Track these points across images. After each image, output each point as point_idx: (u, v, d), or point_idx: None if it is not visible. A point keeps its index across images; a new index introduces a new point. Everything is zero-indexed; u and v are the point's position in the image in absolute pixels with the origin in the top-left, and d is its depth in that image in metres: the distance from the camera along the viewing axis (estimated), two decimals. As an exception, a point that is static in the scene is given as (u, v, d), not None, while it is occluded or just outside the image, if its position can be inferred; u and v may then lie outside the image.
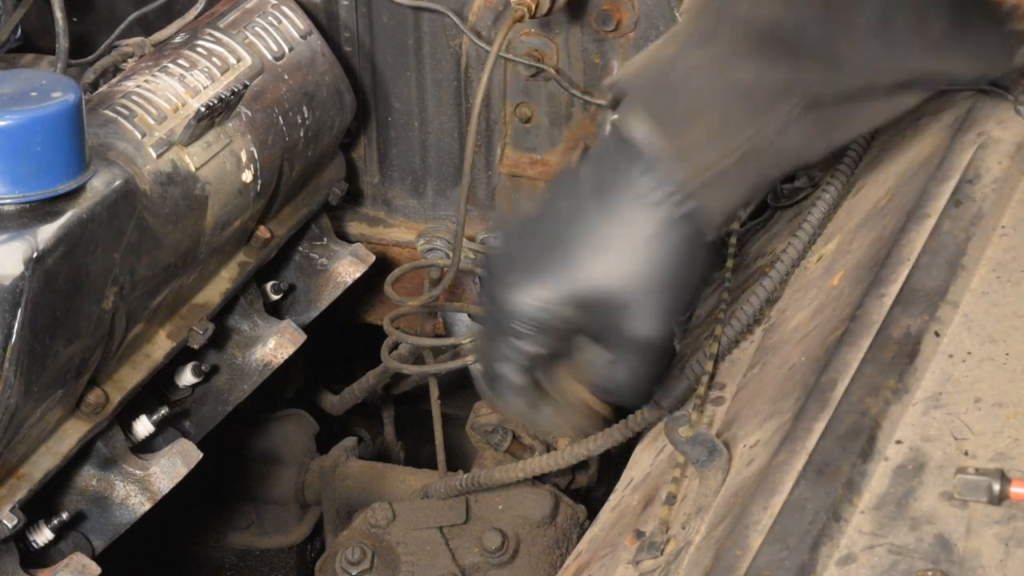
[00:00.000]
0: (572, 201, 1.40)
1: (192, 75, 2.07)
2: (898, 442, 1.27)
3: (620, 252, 1.38)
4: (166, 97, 2.01)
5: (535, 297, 1.39)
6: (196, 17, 2.26)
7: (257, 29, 2.21)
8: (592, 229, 1.38)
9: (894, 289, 1.43)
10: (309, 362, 2.61)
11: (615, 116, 1.43)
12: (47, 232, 1.71)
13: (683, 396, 1.63)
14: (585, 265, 1.39)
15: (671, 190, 1.37)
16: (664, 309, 1.42)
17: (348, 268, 2.44)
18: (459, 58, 2.41)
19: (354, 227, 2.60)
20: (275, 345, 2.26)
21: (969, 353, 1.35)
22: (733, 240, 1.97)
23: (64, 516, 1.93)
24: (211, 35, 2.16)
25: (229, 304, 2.23)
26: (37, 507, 1.91)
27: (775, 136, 1.40)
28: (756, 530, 1.21)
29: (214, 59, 2.12)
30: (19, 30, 2.32)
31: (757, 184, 1.44)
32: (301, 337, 2.28)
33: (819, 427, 1.29)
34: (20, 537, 1.89)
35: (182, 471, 2.04)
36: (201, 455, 2.07)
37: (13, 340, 1.69)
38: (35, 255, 1.69)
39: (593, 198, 1.39)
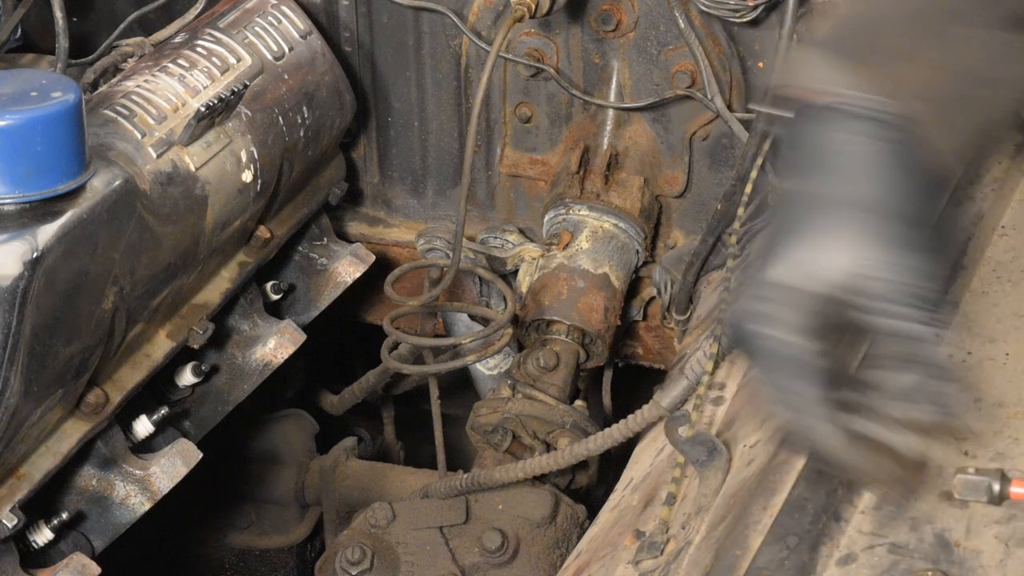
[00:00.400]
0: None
1: (192, 75, 2.07)
2: (898, 442, 1.27)
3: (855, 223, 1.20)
4: (166, 97, 2.01)
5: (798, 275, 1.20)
6: (196, 17, 2.26)
7: (257, 29, 2.21)
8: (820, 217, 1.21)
9: (894, 289, 1.43)
10: (309, 362, 2.61)
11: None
12: (47, 232, 1.71)
13: (683, 396, 1.64)
14: (821, 254, 1.20)
15: (891, 131, 1.20)
16: (913, 286, 1.19)
17: (348, 268, 2.44)
18: (459, 58, 2.41)
19: (354, 227, 2.60)
20: (275, 345, 2.26)
21: (969, 353, 1.36)
22: (733, 239, 1.98)
23: (64, 516, 1.93)
24: (211, 35, 2.16)
25: (229, 304, 2.23)
26: (37, 507, 1.91)
27: (994, 61, 1.26)
28: (756, 530, 1.21)
29: (214, 59, 2.12)
30: (19, 30, 2.32)
31: (984, 120, 1.29)
32: (301, 337, 2.28)
33: (819, 427, 1.29)
34: (20, 537, 1.89)
35: (182, 471, 2.04)
36: (201, 455, 2.07)
37: (13, 340, 1.69)
38: (35, 255, 1.69)
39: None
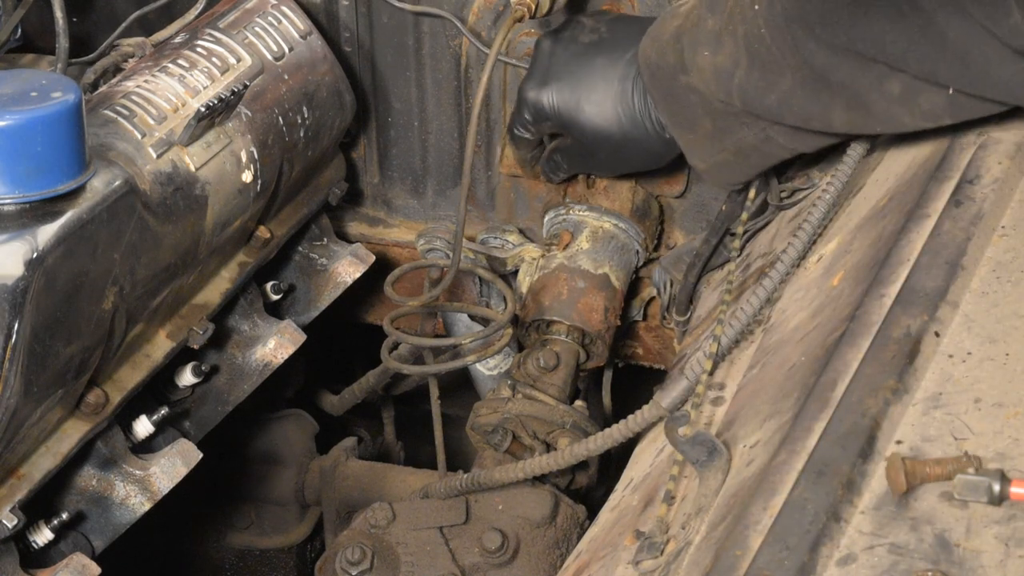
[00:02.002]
0: (607, 73, 2.01)
1: (192, 75, 2.07)
2: (898, 442, 1.27)
3: (609, 126, 2.04)
4: (166, 97, 2.01)
5: (541, 98, 2.08)
6: (196, 17, 2.26)
7: (257, 29, 2.21)
8: (602, 102, 2.03)
9: (894, 289, 1.43)
10: (309, 362, 2.62)
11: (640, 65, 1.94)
12: (47, 232, 1.71)
13: (683, 396, 1.63)
14: (583, 111, 2.04)
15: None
16: (588, 163, 2.15)
17: (348, 268, 2.44)
18: (459, 58, 2.41)
19: (354, 227, 2.60)
20: (275, 345, 2.26)
21: (969, 353, 1.36)
22: (736, 244, 1.98)
23: (64, 516, 1.93)
24: (211, 35, 2.16)
25: (229, 304, 2.23)
26: (37, 507, 1.91)
27: (760, 142, 1.81)
28: (756, 530, 1.21)
29: (214, 59, 2.12)
30: (19, 30, 2.32)
31: (758, 167, 1.89)
32: (301, 337, 2.28)
33: (819, 427, 1.30)
34: (20, 537, 1.89)
35: (182, 471, 2.04)
36: (201, 455, 2.07)
37: (13, 340, 1.69)
38: (35, 255, 1.69)
39: (618, 88, 2.02)
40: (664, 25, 1.90)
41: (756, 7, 1.70)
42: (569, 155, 2.16)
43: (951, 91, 1.56)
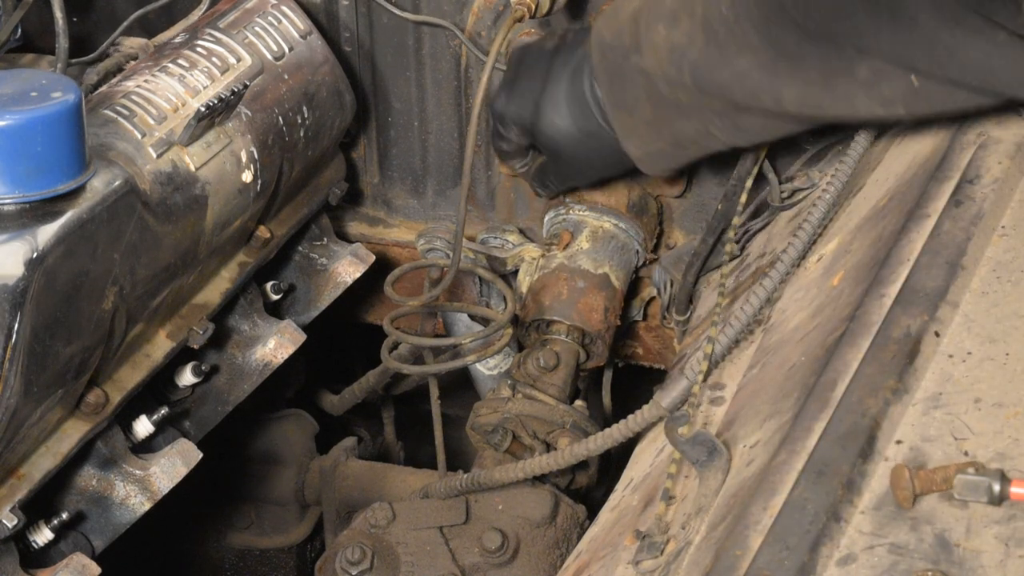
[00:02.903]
0: (560, 72, 2.03)
1: (192, 75, 2.07)
2: (898, 442, 1.27)
3: (565, 125, 2.05)
4: (166, 97, 2.01)
5: (507, 108, 2.13)
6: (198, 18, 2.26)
7: (257, 29, 2.21)
8: (557, 101, 2.04)
9: (894, 289, 1.43)
10: (309, 362, 2.61)
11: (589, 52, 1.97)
12: (47, 232, 1.71)
13: (683, 396, 1.63)
14: (543, 115, 2.07)
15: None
16: (561, 172, 2.17)
17: (348, 268, 2.44)
18: (459, 58, 2.41)
19: (354, 227, 2.60)
20: (275, 345, 2.26)
21: (969, 353, 1.36)
22: (729, 248, 1.98)
23: (64, 516, 1.93)
24: (211, 35, 2.16)
25: (229, 304, 2.23)
26: (37, 507, 1.91)
27: (699, 135, 1.85)
28: (756, 530, 1.21)
29: (214, 59, 2.12)
30: (19, 30, 2.31)
31: (692, 158, 1.94)
32: (301, 337, 2.28)
33: (819, 427, 1.30)
34: (20, 537, 1.89)
35: (182, 471, 2.04)
36: (201, 455, 2.07)
37: (13, 340, 1.69)
38: (35, 255, 1.69)
39: (568, 83, 2.02)
40: (622, 6, 1.90)
41: None
42: (546, 168, 2.19)
43: (916, 81, 1.56)
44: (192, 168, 1.99)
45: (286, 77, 2.22)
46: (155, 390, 2.14)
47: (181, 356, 2.13)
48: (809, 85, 1.67)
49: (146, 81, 2.03)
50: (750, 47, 1.68)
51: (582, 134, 2.04)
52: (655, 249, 2.38)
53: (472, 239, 2.43)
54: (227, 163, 2.06)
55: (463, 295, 2.52)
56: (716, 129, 1.82)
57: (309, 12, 2.32)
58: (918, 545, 1.17)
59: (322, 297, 2.44)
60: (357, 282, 2.45)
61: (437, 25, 2.37)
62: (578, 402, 2.17)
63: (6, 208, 1.70)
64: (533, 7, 2.12)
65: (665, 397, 1.64)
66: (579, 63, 2.01)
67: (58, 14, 2.09)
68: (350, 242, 2.49)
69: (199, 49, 2.12)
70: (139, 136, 1.94)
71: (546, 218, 2.35)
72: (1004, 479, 1.18)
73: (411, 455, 2.73)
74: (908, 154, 1.75)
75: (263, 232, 2.24)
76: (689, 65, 1.76)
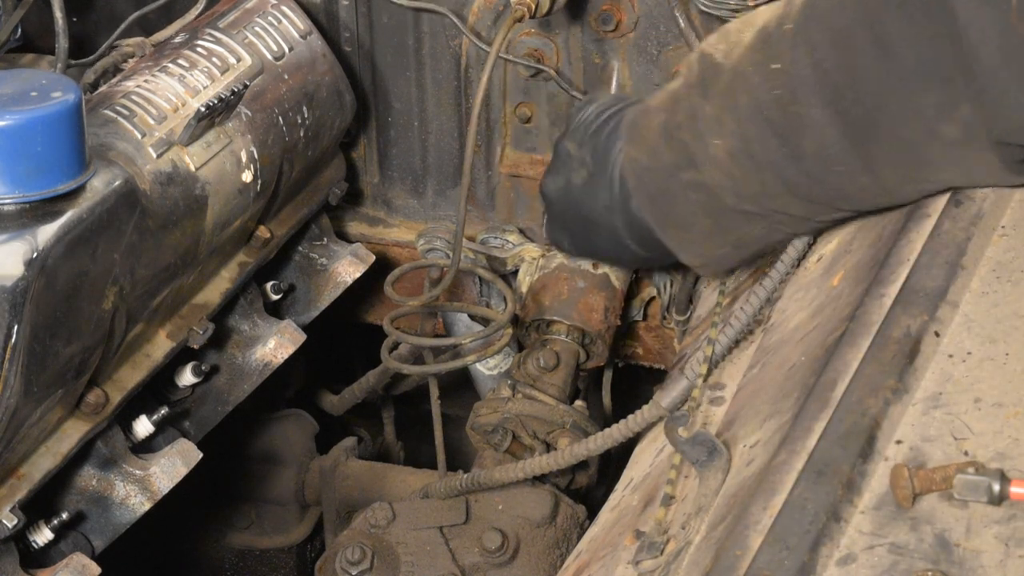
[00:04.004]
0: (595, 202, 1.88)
1: (192, 75, 2.07)
2: (898, 442, 1.27)
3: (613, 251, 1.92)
4: (166, 97, 2.01)
5: (558, 241, 2.01)
6: (196, 17, 2.26)
7: (257, 29, 2.21)
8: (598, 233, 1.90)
9: (894, 289, 1.43)
10: (309, 362, 2.61)
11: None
12: (47, 232, 1.71)
13: (683, 396, 1.64)
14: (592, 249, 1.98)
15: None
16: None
17: (348, 268, 2.44)
18: (459, 58, 2.41)
19: (354, 227, 2.60)
20: (275, 345, 2.26)
21: (969, 353, 1.35)
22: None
23: (64, 516, 1.93)
24: (211, 35, 2.16)
25: (229, 304, 2.23)
26: (37, 507, 1.91)
27: (765, 233, 1.72)
28: (756, 530, 1.21)
29: (214, 59, 2.12)
30: (19, 30, 2.32)
31: (754, 255, 1.80)
32: (301, 337, 2.28)
33: (819, 427, 1.29)
34: (20, 537, 1.89)
35: (182, 471, 2.04)
36: (201, 455, 2.07)
37: (13, 340, 1.69)
38: (35, 255, 1.69)
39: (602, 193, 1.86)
40: (646, 123, 1.77)
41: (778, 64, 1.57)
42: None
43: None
44: (192, 168, 1.99)
45: (286, 77, 2.22)
46: (155, 390, 2.14)
47: (181, 356, 2.13)
48: (882, 158, 1.54)
49: (146, 81, 2.03)
50: (813, 124, 1.55)
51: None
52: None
53: (472, 239, 2.43)
54: (227, 163, 2.06)
55: (463, 295, 2.52)
56: (785, 226, 1.70)
57: (309, 12, 2.32)
58: (918, 545, 1.17)
59: (322, 297, 2.44)
60: (357, 282, 2.45)
61: (436, 12, 2.36)
62: (578, 402, 2.17)
63: (6, 208, 1.70)
64: (533, 7, 2.12)
65: (665, 397, 1.64)
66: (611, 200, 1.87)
67: (58, 14, 2.09)
68: (350, 242, 2.49)
69: (199, 49, 2.12)
70: (139, 136, 1.94)
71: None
72: (1004, 479, 1.18)
73: (411, 455, 2.73)
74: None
75: (263, 232, 2.24)
76: (771, 167, 1.62)
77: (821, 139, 1.55)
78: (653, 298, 2.42)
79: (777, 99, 1.57)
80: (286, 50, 2.23)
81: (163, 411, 2.07)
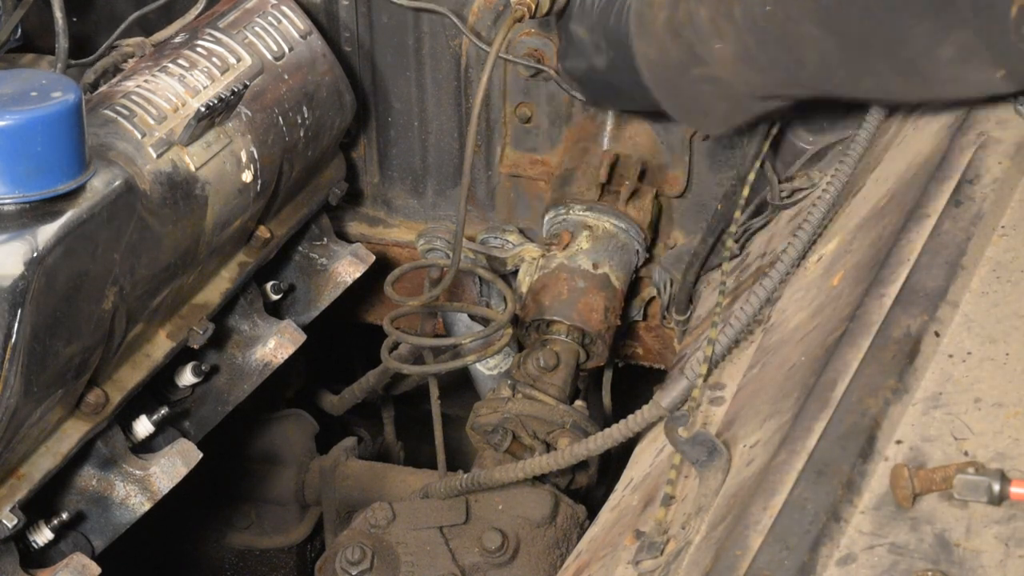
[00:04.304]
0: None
1: (192, 75, 2.07)
2: (898, 442, 1.27)
3: None
4: (166, 97, 2.01)
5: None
6: (196, 17, 2.26)
7: (257, 29, 2.21)
8: None
9: (894, 289, 1.43)
10: (309, 362, 2.61)
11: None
12: (47, 232, 1.71)
13: (683, 396, 1.64)
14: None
15: None
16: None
17: (348, 268, 2.44)
18: (459, 58, 2.41)
19: (354, 227, 2.60)
20: (275, 345, 2.26)
21: (969, 353, 1.36)
22: (730, 243, 1.98)
23: (64, 516, 1.93)
24: (211, 35, 2.16)
25: (229, 304, 2.23)
26: (37, 507, 1.91)
27: (776, 110, 1.79)
28: (756, 530, 1.21)
29: (214, 59, 2.12)
30: (19, 30, 2.32)
31: (762, 120, 1.90)
32: (301, 337, 2.28)
33: (819, 427, 1.30)
34: (20, 537, 1.89)
35: (182, 471, 2.04)
36: (201, 455, 2.07)
37: (13, 340, 1.69)
38: (35, 255, 1.69)
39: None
40: (652, 17, 1.83)
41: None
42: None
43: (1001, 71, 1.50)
44: (192, 168, 1.99)
45: (286, 77, 2.22)
46: (155, 390, 2.14)
47: (181, 356, 2.13)
48: (882, 68, 1.58)
49: (146, 81, 2.03)
50: (807, 40, 1.60)
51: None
52: (653, 248, 2.39)
53: (472, 239, 2.43)
54: (227, 163, 2.06)
55: (463, 295, 2.52)
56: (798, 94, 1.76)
57: (309, 12, 2.32)
58: (918, 545, 1.17)
59: (322, 297, 2.44)
60: (357, 282, 2.45)
61: (435, 12, 2.36)
62: (578, 402, 2.17)
63: (6, 208, 1.70)
64: (533, 7, 2.12)
65: (665, 397, 1.64)
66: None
67: (58, 14, 2.09)
68: (350, 242, 2.49)
69: (199, 49, 2.12)
70: (139, 136, 1.94)
71: (546, 218, 2.35)
72: (1004, 479, 1.18)
73: (411, 455, 2.73)
74: (908, 154, 1.75)
75: (263, 232, 2.24)
76: (776, 69, 1.69)
77: (820, 52, 1.60)
78: (653, 298, 2.42)
79: (771, 15, 1.62)
80: (286, 50, 2.23)
81: (163, 411, 2.07)
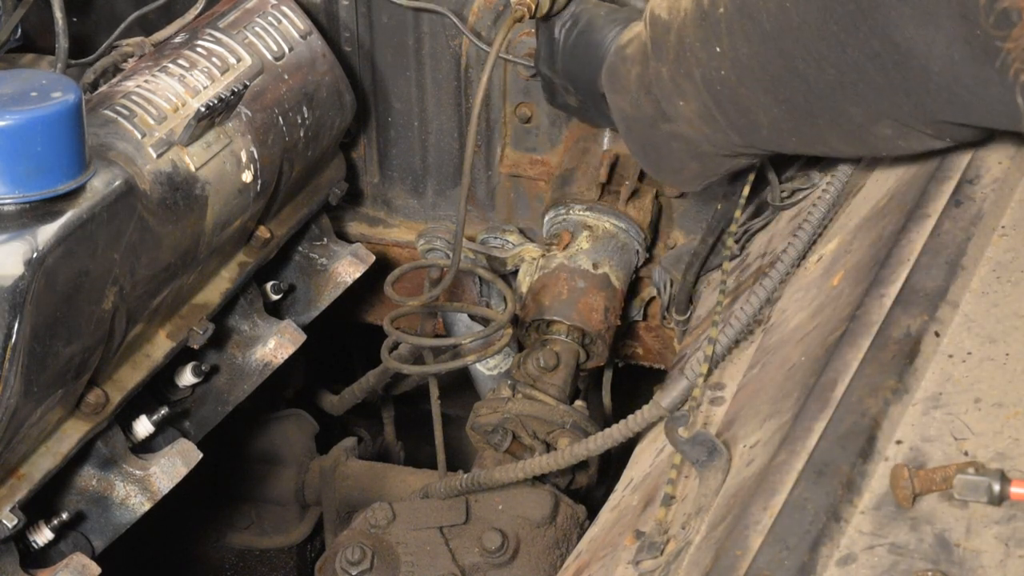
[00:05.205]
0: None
1: (192, 75, 2.07)
2: (898, 442, 1.27)
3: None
4: (166, 97, 2.01)
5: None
6: (196, 17, 2.26)
7: (257, 29, 2.21)
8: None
9: (894, 289, 1.43)
10: (309, 362, 2.61)
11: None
12: (47, 232, 1.71)
13: (683, 396, 1.63)
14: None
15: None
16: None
17: (348, 268, 2.44)
18: (459, 58, 2.41)
19: (354, 227, 2.60)
20: (275, 345, 2.26)
21: (969, 353, 1.35)
22: (730, 243, 1.98)
23: (64, 516, 1.93)
24: (211, 35, 2.16)
25: (229, 304, 2.23)
26: (37, 507, 1.91)
27: (751, 163, 1.83)
28: (756, 530, 1.21)
29: (214, 59, 2.12)
30: (19, 30, 2.32)
31: (740, 174, 1.90)
32: (301, 337, 2.28)
33: (819, 427, 1.30)
34: (20, 537, 1.89)
35: (182, 471, 2.04)
36: (201, 455, 2.07)
37: (13, 340, 1.69)
38: (35, 255, 1.69)
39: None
40: (625, 72, 1.84)
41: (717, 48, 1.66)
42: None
43: (934, 131, 1.54)
44: (192, 168, 1.99)
45: (286, 77, 2.22)
46: (155, 390, 2.14)
47: (181, 356, 2.13)
48: (830, 137, 1.63)
49: (146, 81, 2.03)
50: (759, 106, 1.64)
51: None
52: (653, 248, 2.39)
53: (472, 239, 2.43)
54: (227, 163, 2.06)
55: (463, 295, 2.52)
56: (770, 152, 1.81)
57: (309, 12, 2.32)
58: (918, 545, 1.17)
59: (322, 297, 2.44)
60: (357, 282, 2.45)
61: (435, 12, 2.36)
62: (578, 402, 2.17)
63: (6, 208, 1.70)
64: (533, 7, 2.12)
65: (665, 397, 1.64)
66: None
67: (58, 14, 2.09)
68: (350, 242, 2.49)
69: (199, 49, 2.12)
70: (139, 136, 1.94)
71: (546, 218, 2.35)
72: (1004, 479, 1.18)
73: (411, 455, 2.74)
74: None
75: (263, 232, 2.24)
76: (735, 130, 1.72)
77: (772, 117, 1.64)
78: (653, 298, 2.42)
79: (725, 79, 1.65)
80: (286, 50, 2.23)
81: (163, 411, 2.07)
